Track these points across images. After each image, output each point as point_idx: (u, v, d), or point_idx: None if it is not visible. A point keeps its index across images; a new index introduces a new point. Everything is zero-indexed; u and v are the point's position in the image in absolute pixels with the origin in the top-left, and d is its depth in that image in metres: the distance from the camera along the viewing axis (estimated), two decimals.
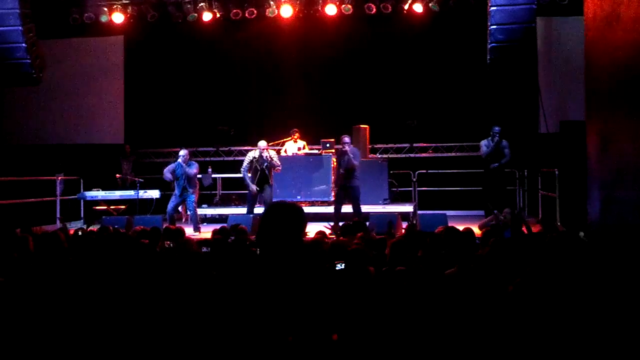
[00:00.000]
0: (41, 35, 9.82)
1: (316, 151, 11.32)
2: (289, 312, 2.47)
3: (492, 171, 10.02)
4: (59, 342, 2.90)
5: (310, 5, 12.30)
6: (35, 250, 4.99)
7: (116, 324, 2.99)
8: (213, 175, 12.43)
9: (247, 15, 12.28)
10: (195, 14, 12.26)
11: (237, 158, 13.17)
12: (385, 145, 13.17)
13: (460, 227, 4.72)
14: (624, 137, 6.53)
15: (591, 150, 6.83)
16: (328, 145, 11.14)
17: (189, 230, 8.33)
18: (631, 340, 2.66)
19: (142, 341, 2.85)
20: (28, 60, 9.03)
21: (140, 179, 11.33)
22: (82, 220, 11.44)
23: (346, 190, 9.46)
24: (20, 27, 8.87)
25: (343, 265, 3.70)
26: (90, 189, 11.63)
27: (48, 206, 11.23)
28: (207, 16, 12.27)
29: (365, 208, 9.61)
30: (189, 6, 12.25)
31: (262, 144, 10.00)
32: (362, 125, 11.78)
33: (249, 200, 10.13)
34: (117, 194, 11.51)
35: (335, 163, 10.35)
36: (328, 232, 7.00)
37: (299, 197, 10.95)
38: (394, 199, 11.82)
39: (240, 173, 10.18)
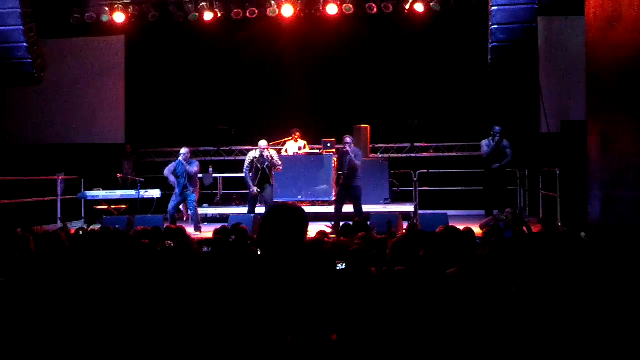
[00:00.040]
0: (42, 34, 9.84)
1: (317, 151, 11.31)
2: (288, 312, 2.47)
3: (493, 171, 10.00)
4: (60, 341, 2.91)
5: (311, 5, 12.29)
6: (36, 250, 4.99)
7: (117, 324, 2.99)
8: (214, 175, 12.43)
9: (248, 14, 12.28)
10: (197, 14, 12.26)
11: (238, 158, 13.18)
12: (386, 145, 13.16)
13: (461, 227, 4.73)
14: (624, 137, 6.54)
15: (592, 150, 6.83)
16: (329, 144, 11.12)
17: (189, 230, 8.33)
18: (632, 340, 2.66)
19: (143, 341, 2.85)
20: (29, 60, 9.04)
21: (141, 179, 11.32)
22: (83, 220, 11.43)
23: (347, 189, 9.43)
24: (21, 27, 8.88)
25: (344, 265, 3.71)
26: (91, 189, 11.62)
27: (49, 206, 11.22)
28: (208, 16, 12.27)
29: (366, 208, 9.59)
30: (190, 6, 12.25)
31: (263, 143, 9.99)
32: (363, 125, 11.76)
33: (249, 200, 10.12)
34: (118, 193, 11.50)
35: (336, 163, 10.34)
36: (329, 231, 7.01)
37: (299, 197, 10.93)
38: (395, 198, 11.81)
39: (242, 173, 10.17)
